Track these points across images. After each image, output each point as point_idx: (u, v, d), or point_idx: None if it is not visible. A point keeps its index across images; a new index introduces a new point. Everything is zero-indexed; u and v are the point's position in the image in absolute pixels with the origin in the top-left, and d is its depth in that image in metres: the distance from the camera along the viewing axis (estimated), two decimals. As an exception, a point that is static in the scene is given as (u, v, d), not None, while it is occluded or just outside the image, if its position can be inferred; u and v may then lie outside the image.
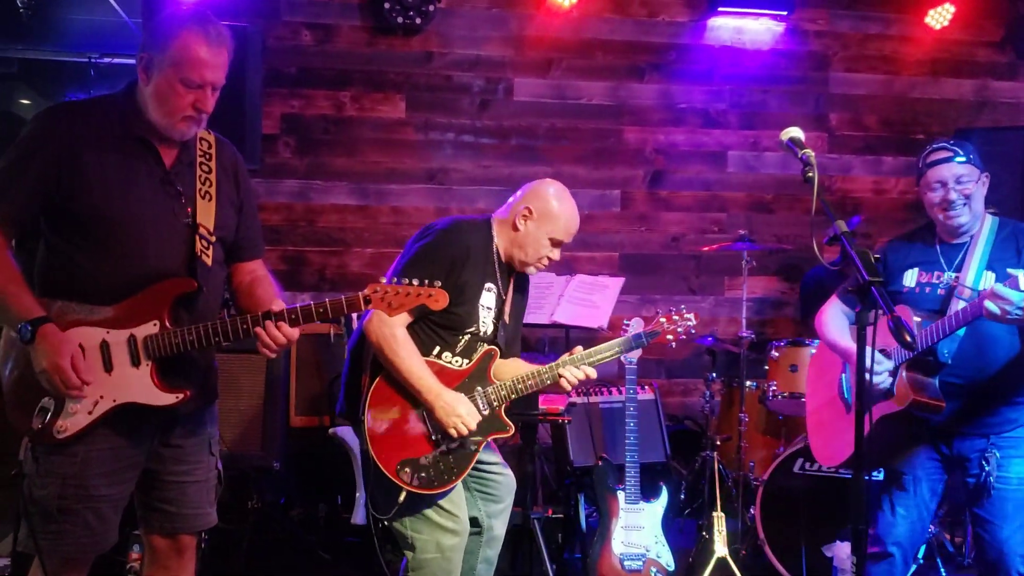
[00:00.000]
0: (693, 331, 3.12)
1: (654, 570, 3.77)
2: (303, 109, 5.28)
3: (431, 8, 5.21)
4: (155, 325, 2.36)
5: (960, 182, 2.92)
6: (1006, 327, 2.80)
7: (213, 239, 2.45)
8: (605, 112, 5.61)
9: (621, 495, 3.83)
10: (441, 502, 2.87)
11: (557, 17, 5.48)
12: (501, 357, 3.03)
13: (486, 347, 2.95)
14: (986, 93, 6.01)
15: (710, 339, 4.88)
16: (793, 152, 2.31)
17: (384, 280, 2.42)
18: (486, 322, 2.96)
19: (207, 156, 2.48)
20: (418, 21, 5.21)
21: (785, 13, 5.65)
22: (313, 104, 5.29)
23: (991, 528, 2.90)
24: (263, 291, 2.57)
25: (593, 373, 2.98)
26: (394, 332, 2.79)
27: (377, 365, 2.84)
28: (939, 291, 2.93)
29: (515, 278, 3.10)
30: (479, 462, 2.97)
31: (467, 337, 2.93)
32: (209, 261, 2.44)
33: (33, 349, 2.26)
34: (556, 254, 3.02)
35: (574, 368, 2.94)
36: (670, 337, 3.10)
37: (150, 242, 2.37)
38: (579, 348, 2.99)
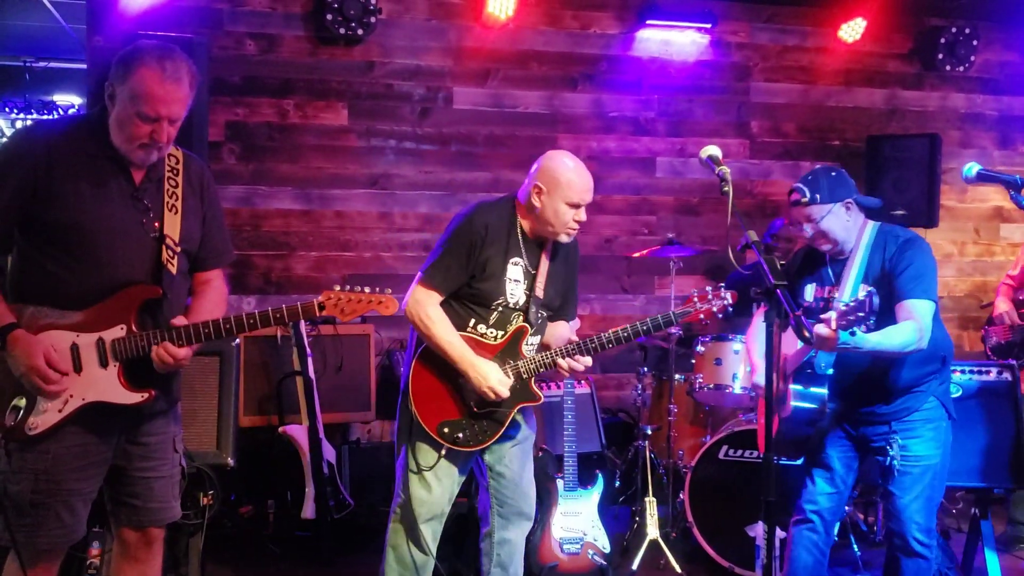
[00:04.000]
0: (730, 309, 3.09)
1: (591, 552, 4.02)
2: (247, 117, 5.40)
3: (372, 19, 5.37)
4: (122, 329, 2.52)
5: (811, 219, 3.14)
6: None
7: (178, 250, 2.61)
8: (540, 120, 5.85)
9: (560, 483, 4.08)
10: (427, 475, 3.16)
11: (494, 29, 5.69)
12: (550, 321, 3.27)
13: (519, 324, 3.15)
14: (895, 102, 6.41)
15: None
16: (711, 168, 2.55)
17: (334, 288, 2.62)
18: (515, 294, 3.15)
19: (175, 172, 2.63)
20: (360, 32, 5.37)
21: (709, 26, 5.95)
22: (257, 112, 5.41)
23: (894, 499, 3.23)
24: (197, 301, 2.73)
25: (588, 361, 3.11)
26: (427, 311, 3.07)
27: (420, 339, 3.14)
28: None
29: (553, 250, 3.24)
30: (498, 472, 3.28)
31: (498, 309, 3.15)
32: (174, 270, 2.60)
33: (8, 356, 2.41)
34: (582, 214, 3.13)
35: (569, 357, 3.11)
36: (702, 316, 3.09)
37: (118, 252, 2.52)
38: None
